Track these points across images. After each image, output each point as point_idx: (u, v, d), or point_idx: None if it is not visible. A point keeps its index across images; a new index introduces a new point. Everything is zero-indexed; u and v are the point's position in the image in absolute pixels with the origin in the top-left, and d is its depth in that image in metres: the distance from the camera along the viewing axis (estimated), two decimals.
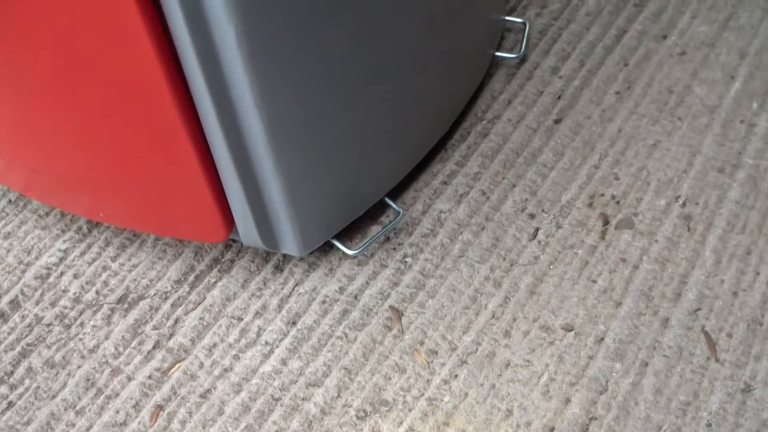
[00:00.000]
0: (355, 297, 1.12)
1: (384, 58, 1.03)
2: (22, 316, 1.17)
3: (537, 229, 1.16)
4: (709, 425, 0.98)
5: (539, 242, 1.15)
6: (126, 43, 0.85)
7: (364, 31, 0.98)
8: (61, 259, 1.22)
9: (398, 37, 1.04)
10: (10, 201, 1.30)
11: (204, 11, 0.82)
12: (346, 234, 1.17)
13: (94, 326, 1.14)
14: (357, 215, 1.14)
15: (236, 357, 1.09)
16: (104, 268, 1.20)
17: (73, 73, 0.93)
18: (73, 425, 1.06)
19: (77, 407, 1.07)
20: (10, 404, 1.08)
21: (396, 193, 1.21)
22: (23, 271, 1.21)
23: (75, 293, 1.18)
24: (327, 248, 1.17)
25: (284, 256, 1.17)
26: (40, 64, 0.94)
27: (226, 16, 0.82)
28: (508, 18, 1.40)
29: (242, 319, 1.12)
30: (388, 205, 1.19)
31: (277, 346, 1.09)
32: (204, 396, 1.06)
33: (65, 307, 1.17)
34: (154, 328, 1.13)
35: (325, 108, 0.99)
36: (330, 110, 0.99)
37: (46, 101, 1.00)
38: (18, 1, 0.88)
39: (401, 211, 1.16)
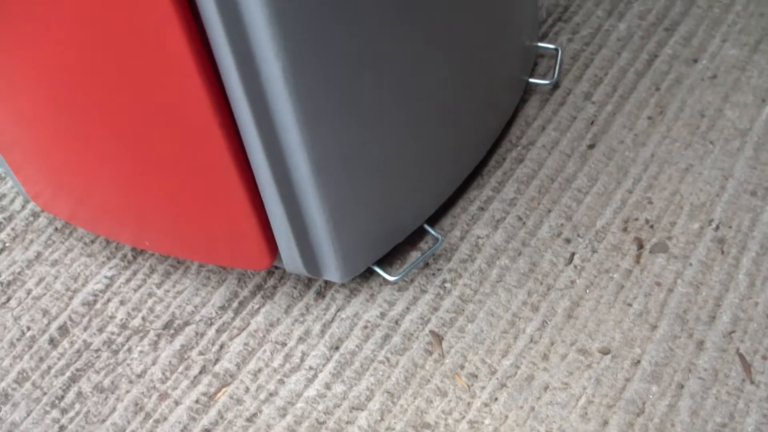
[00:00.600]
0: (396, 322, 1.15)
1: (423, 90, 1.06)
2: (71, 342, 1.20)
3: (573, 254, 1.18)
4: None
5: (575, 267, 1.17)
6: (175, 77, 0.88)
7: (405, 64, 1.01)
8: (108, 286, 1.25)
9: (436, 68, 1.07)
10: (56, 228, 1.34)
11: (252, 49, 0.85)
12: (387, 260, 1.20)
13: (141, 352, 1.17)
14: (397, 242, 1.17)
15: (281, 381, 1.12)
16: (150, 295, 1.23)
17: (121, 104, 0.96)
18: None
19: (127, 431, 1.10)
20: (62, 428, 1.11)
21: (434, 219, 1.24)
22: (71, 298, 1.25)
23: (122, 319, 1.21)
24: (368, 274, 1.20)
25: (326, 282, 1.20)
26: (90, 96, 0.98)
27: (273, 53, 0.85)
28: (540, 44, 1.43)
29: (286, 344, 1.15)
30: (427, 232, 1.21)
31: (321, 371, 1.12)
32: (250, 420, 1.09)
33: (112, 333, 1.20)
34: (200, 353, 1.16)
35: (367, 140, 1.02)
36: (372, 142, 1.02)
37: (94, 132, 1.04)
38: (74, 37, 0.91)
39: (440, 237, 1.19)
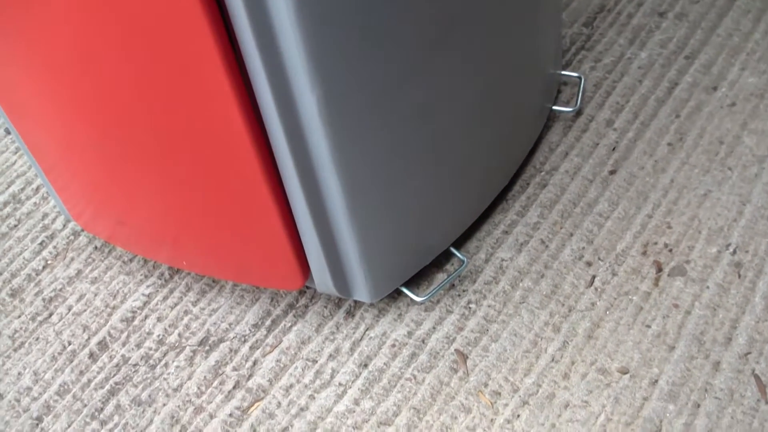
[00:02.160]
0: (423, 341, 1.19)
1: (451, 118, 1.11)
2: (110, 357, 1.25)
3: (594, 277, 1.22)
4: None
5: (596, 289, 1.21)
6: (214, 107, 0.93)
7: (435, 94, 1.05)
8: (145, 303, 1.30)
9: (464, 98, 1.11)
10: (96, 247, 1.39)
11: (288, 81, 0.90)
12: (414, 281, 1.25)
13: (177, 367, 1.22)
14: (424, 264, 1.21)
15: (311, 397, 1.16)
16: (186, 312, 1.28)
17: (161, 130, 1.01)
18: None
19: None
20: None
21: (460, 242, 1.28)
22: (110, 314, 1.30)
23: (159, 335, 1.26)
24: (396, 295, 1.24)
25: (355, 302, 1.25)
26: (133, 122, 1.02)
27: (309, 86, 0.89)
28: (564, 73, 1.47)
29: (317, 362, 1.20)
30: (453, 254, 1.26)
31: (350, 387, 1.17)
32: None
33: (150, 349, 1.25)
34: (234, 369, 1.21)
35: (397, 167, 1.06)
36: (401, 169, 1.07)
37: (135, 157, 1.08)
38: (121, 67, 0.96)
39: (465, 260, 1.23)
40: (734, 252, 1.23)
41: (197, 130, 0.98)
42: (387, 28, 0.94)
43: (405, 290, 1.21)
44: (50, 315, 1.32)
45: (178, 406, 1.18)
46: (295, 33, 0.85)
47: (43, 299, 1.34)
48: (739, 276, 1.20)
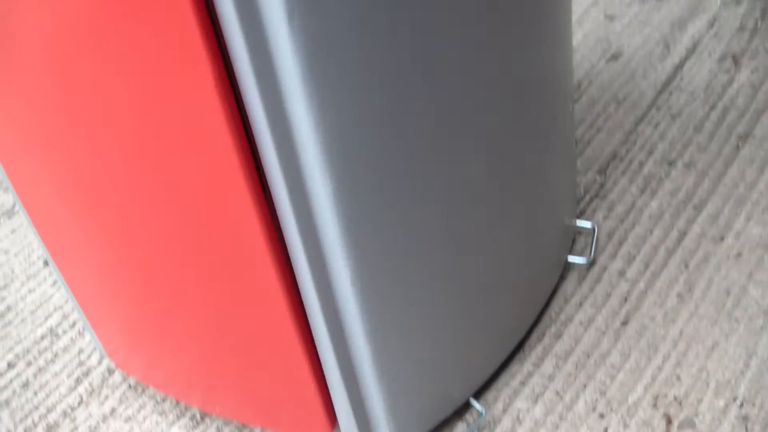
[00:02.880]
0: None
1: (474, 277, 1.18)
2: None
3: (606, 429, 1.28)
4: None
5: None
6: (248, 264, 1.00)
7: (457, 260, 1.13)
8: None
9: (486, 257, 1.19)
10: (130, 386, 1.45)
11: (324, 257, 0.97)
12: (435, 431, 1.30)
13: None
14: (446, 415, 1.27)
15: None
16: None
17: (194, 277, 1.08)
18: None
19: None
20: None
21: (479, 391, 1.34)
22: None
23: None
24: None
25: None
26: (166, 266, 1.10)
27: (344, 257, 0.97)
28: (579, 223, 1.55)
29: None
30: (472, 405, 1.32)
31: None
32: None
33: None
34: None
35: (421, 322, 1.13)
36: (426, 324, 1.14)
37: (168, 302, 1.15)
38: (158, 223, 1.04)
39: (483, 411, 1.29)
40: (741, 405, 1.28)
41: (228, 277, 1.04)
42: (414, 199, 1.01)
43: None
44: None
45: None
46: (333, 219, 0.93)
47: None
48: (747, 430, 1.26)
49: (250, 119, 0.85)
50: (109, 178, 1.02)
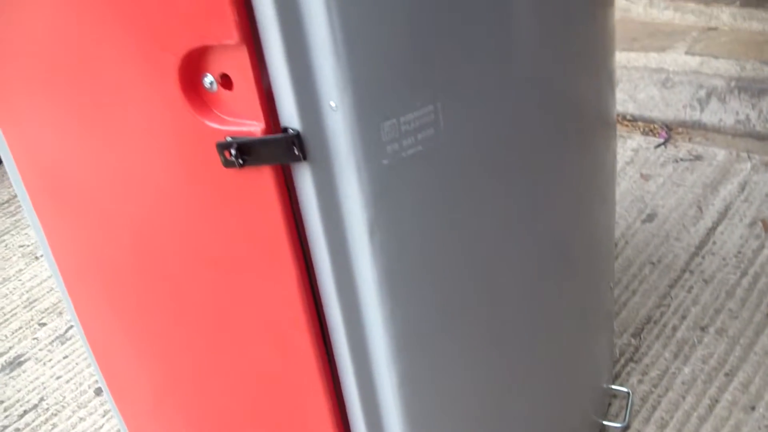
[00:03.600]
0: None
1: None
2: None
3: None
4: None
5: None
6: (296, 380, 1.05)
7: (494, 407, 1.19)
8: None
9: (520, 414, 1.24)
10: None
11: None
12: None
13: None
14: None
15: None
16: None
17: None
18: None
19: None
20: None
21: None
22: None
23: None
24: None
25: None
26: (212, 383, 1.14)
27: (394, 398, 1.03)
28: (614, 387, 1.61)
29: None
30: None
31: None
32: None
33: None
34: None
35: None
36: None
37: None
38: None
39: None
40: None
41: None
42: (462, 319, 1.05)
43: None
44: None
45: None
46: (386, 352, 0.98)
47: None
48: None
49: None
50: (184, 343, 1.10)
